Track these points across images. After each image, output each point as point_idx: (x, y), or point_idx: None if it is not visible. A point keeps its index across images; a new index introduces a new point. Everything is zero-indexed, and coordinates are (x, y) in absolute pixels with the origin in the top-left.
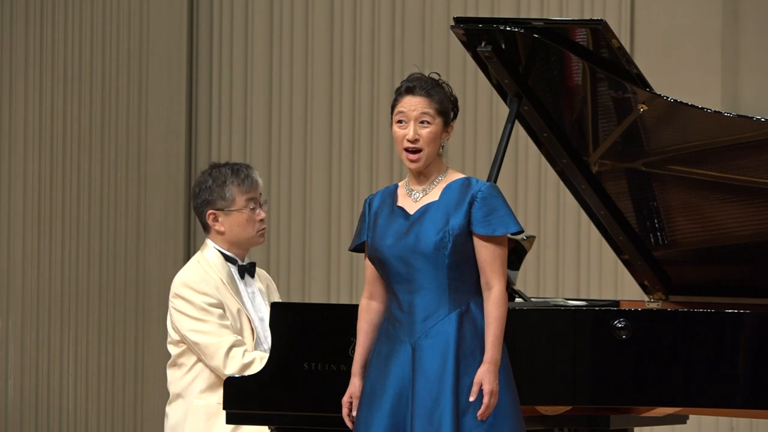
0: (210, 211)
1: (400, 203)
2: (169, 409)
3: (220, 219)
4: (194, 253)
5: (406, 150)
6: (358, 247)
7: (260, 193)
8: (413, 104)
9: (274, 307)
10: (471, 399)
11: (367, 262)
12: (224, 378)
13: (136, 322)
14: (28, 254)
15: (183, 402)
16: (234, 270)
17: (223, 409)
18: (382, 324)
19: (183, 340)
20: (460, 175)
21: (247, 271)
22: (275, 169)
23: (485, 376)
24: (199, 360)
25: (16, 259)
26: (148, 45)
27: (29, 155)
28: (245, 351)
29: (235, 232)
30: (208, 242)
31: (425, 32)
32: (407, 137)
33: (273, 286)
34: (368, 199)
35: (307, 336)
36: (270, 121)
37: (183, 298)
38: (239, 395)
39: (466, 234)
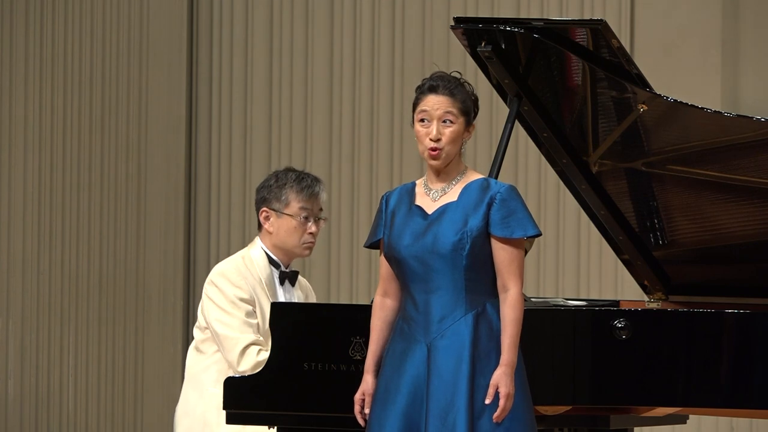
0: (263, 209)
1: (418, 202)
2: (183, 390)
3: (271, 219)
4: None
5: (429, 149)
6: (373, 244)
7: (320, 209)
8: (436, 103)
9: (274, 307)
10: (487, 402)
11: (382, 260)
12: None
13: (136, 322)
14: (28, 254)
15: (199, 387)
16: (275, 274)
17: (223, 408)
18: (396, 323)
19: (208, 327)
20: (480, 176)
21: (288, 278)
22: (275, 169)
23: (501, 379)
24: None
25: (16, 259)
26: (148, 45)
27: (29, 155)
28: (260, 350)
29: (281, 236)
30: (257, 241)
31: (425, 32)
32: (430, 136)
33: (313, 296)
34: (385, 195)
35: (307, 336)
36: (270, 121)
37: (216, 287)
38: (239, 395)
39: (484, 236)
